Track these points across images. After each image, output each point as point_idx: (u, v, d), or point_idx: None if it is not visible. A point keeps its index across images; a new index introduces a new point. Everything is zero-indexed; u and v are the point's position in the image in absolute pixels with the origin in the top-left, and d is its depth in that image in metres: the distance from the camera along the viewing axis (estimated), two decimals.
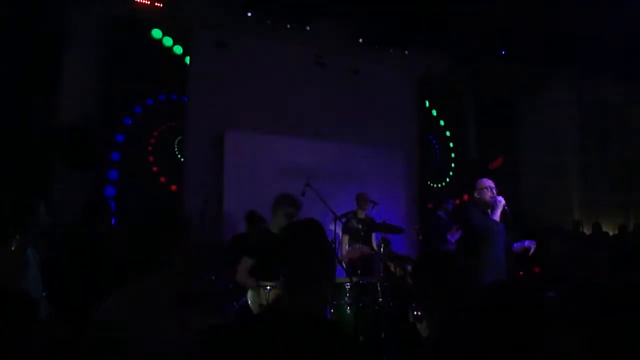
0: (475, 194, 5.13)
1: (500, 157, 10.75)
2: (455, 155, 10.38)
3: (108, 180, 7.02)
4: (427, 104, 10.13)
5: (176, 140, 7.49)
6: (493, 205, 4.96)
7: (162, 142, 7.39)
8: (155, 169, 7.36)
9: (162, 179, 7.41)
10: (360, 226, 6.62)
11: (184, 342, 1.65)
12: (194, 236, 5.51)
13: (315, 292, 1.96)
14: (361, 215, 6.83)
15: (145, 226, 1.83)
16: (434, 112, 10.18)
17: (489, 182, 5.10)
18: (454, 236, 7.62)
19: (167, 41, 7.49)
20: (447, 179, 10.22)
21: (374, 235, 6.83)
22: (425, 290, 2.36)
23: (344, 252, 6.47)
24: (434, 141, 10.16)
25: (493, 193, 5.04)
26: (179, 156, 7.53)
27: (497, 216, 4.92)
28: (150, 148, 7.31)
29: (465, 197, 9.83)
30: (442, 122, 10.27)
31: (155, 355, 1.59)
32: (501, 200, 4.95)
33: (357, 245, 6.24)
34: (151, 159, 7.32)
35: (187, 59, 7.61)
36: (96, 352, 1.67)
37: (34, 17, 6.37)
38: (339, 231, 6.74)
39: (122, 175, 7.13)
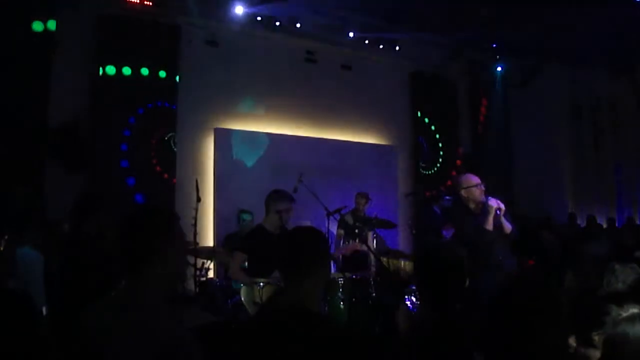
0: (462, 193, 4.63)
1: (459, 148, 10.61)
2: (444, 152, 10.39)
3: (125, 171, 7.08)
4: (419, 113, 10.18)
5: (170, 137, 7.45)
6: (483, 207, 4.46)
7: (162, 142, 7.38)
8: (158, 168, 7.36)
9: (165, 176, 7.40)
10: (357, 223, 6.63)
11: (178, 340, 1.63)
12: (187, 234, 5.49)
13: (306, 287, 1.98)
14: (359, 213, 6.87)
15: (133, 224, 1.80)
16: (427, 120, 10.23)
17: (476, 179, 4.62)
18: (448, 232, 7.59)
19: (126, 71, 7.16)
20: (436, 167, 10.25)
21: (370, 234, 6.82)
22: (427, 282, 2.36)
23: (338, 247, 6.48)
24: (422, 141, 10.19)
25: (482, 191, 4.55)
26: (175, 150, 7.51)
27: (489, 223, 4.39)
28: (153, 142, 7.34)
29: (449, 182, 9.88)
30: (433, 127, 10.29)
31: (149, 355, 1.57)
32: (492, 204, 4.42)
33: (350, 242, 6.23)
34: (153, 153, 7.32)
35: (177, 78, 7.60)
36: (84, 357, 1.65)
37: (23, 16, 6.33)
38: (332, 227, 6.73)
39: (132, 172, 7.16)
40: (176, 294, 5.45)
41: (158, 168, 7.35)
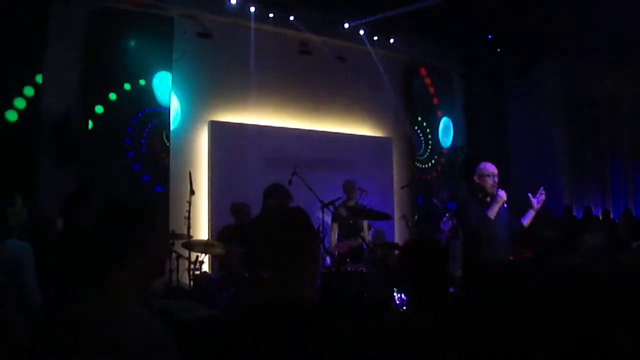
0: (475, 178, 4.82)
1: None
2: (432, 143, 10.37)
3: (131, 159, 7.16)
4: (414, 105, 10.19)
5: (163, 133, 7.38)
6: (492, 197, 4.65)
7: (161, 136, 7.40)
8: (162, 155, 7.41)
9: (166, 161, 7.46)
10: (350, 214, 6.58)
11: (155, 334, 1.60)
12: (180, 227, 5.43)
13: (299, 276, 1.93)
14: (351, 203, 6.76)
15: (113, 215, 1.76)
16: (420, 111, 10.21)
17: (492, 169, 4.78)
18: (447, 224, 7.56)
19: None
20: (426, 155, 10.24)
21: (365, 223, 6.78)
22: (410, 276, 2.33)
23: (333, 241, 6.44)
24: (417, 132, 10.17)
25: (495, 182, 4.72)
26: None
27: (493, 212, 4.60)
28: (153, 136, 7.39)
29: (439, 168, 10.18)
30: (425, 123, 10.27)
31: (126, 349, 1.53)
32: (502, 196, 4.64)
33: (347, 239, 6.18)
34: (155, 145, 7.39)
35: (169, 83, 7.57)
36: (65, 349, 1.61)
37: (15, 10, 6.25)
38: (327, 219, 6.68)
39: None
40: (166, 286, 5.45)
41: (162, 155, 7.40)
